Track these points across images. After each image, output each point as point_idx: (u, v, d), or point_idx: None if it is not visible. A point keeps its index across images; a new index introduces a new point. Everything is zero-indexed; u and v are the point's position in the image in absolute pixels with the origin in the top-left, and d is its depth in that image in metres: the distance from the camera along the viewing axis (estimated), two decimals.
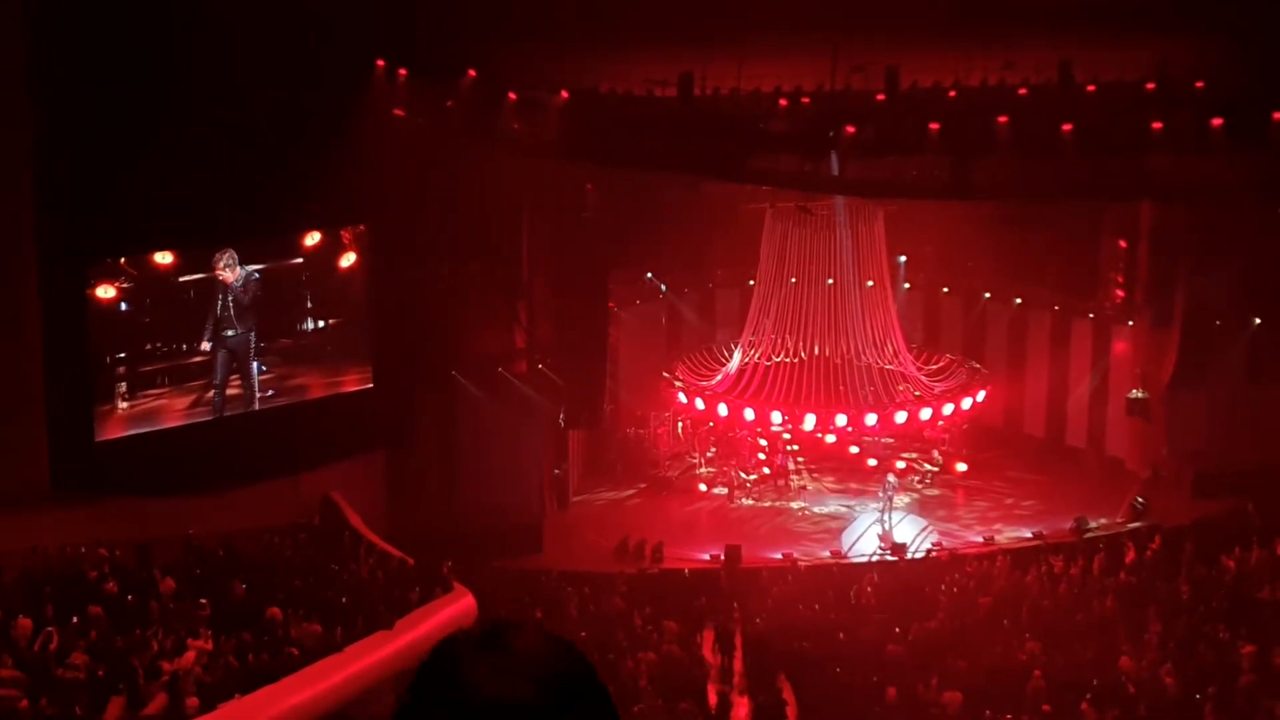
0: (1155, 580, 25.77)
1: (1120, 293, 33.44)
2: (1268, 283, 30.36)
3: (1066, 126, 27.11)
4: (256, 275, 25.99)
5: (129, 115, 23.26)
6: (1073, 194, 29.57)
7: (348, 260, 27.45)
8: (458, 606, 23.24)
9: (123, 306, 24.72)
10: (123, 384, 24.84)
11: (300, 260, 26.98)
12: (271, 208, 25.29)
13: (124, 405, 24.86)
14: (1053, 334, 34.81)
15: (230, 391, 26.11)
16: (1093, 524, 29.97)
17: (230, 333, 25.89)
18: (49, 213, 23.40)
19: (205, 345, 25.76)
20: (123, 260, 24.59)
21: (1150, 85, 28.02)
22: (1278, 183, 28.41)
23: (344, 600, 22.31)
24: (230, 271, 25.66)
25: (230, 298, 25.78)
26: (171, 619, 20.28)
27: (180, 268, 25.37)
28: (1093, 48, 27.24)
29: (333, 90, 25.42)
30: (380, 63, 26.44)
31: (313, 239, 26.89)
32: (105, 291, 24.37)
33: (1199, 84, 28.24)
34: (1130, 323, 33.09)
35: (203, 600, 20.97)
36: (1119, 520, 30.34)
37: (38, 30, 23.06)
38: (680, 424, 34.57)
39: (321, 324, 27.48)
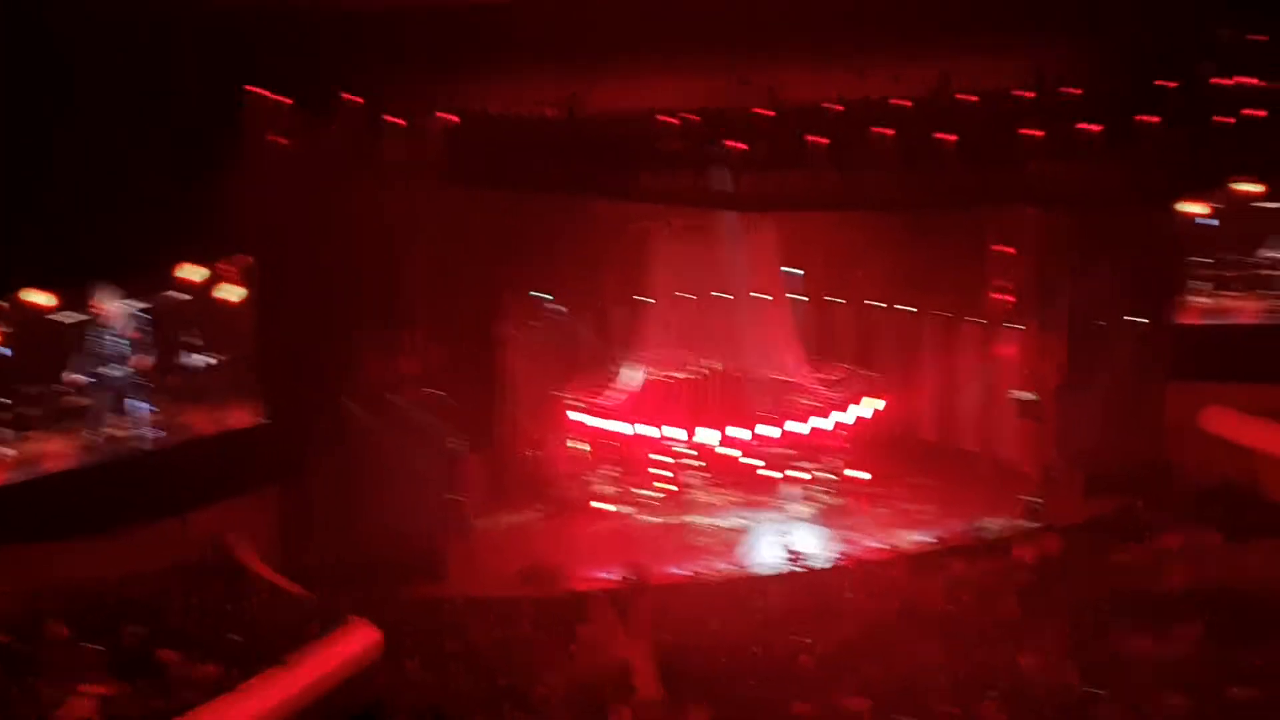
0: (1052, 579, 26.09)
1: (1006, 298, 33.94)
2: (1146, 283, 30.95)
3: (948, 136, 27.51)
4: (139, 312, 25.48)
5: None
6: (957, 202, 29.99)
7: (232, 294, 26.98)
8: (359, 640, 22.93)
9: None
10: (2, 430, 24.20)
11: (184, 296, 26.46)
12: (152, 243, 24.77)
13: (4, 451, 24.20)
14: (943, 340, 35.27)
15: (115, 432, 25.52)
16: (990, 526, 30.30)
17: (116, 372, 25.34)
18: None
19: (86, 385, 25.15)
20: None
21: (1028, 94, 28.47)
22: (1155, 185, 29.03)
23: (240, 639, 21.93)
24: (110, 309, 25.13)
25: (112, 336, 25.24)
26: (63, 667, 19.79)
27: (59, 307, 24.77)
28: (971, 58, 27.64)
29: (211, 120, 25.01)
30: (259, 90, 26.07)
31: (197, 274, 26.39)
32: None
33: (1074, 91, 28.75)
34: (1017, 326, 33.59)
35: (95, 646, 20.50)
36: (1015, 521, 30.70)
37: None
38: (579, 444, 34.48)
39: (206, 360, 26.98)
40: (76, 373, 24.92)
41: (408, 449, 29.45)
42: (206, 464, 26.37)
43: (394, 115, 26.90)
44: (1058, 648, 22.80)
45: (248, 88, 26.05)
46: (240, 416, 27.37)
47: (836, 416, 33.11)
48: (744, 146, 27.55)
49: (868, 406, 33.58)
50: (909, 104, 28.38)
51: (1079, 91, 28.77)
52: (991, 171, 28.86)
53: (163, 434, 26.16)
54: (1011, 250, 33.51)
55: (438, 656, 23.95)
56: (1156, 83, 28.49)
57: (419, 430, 29.87)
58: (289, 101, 26.42)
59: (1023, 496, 31.46)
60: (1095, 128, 27.81)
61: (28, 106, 22.70)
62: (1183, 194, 30.13)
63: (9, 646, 20.54)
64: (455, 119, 26.85)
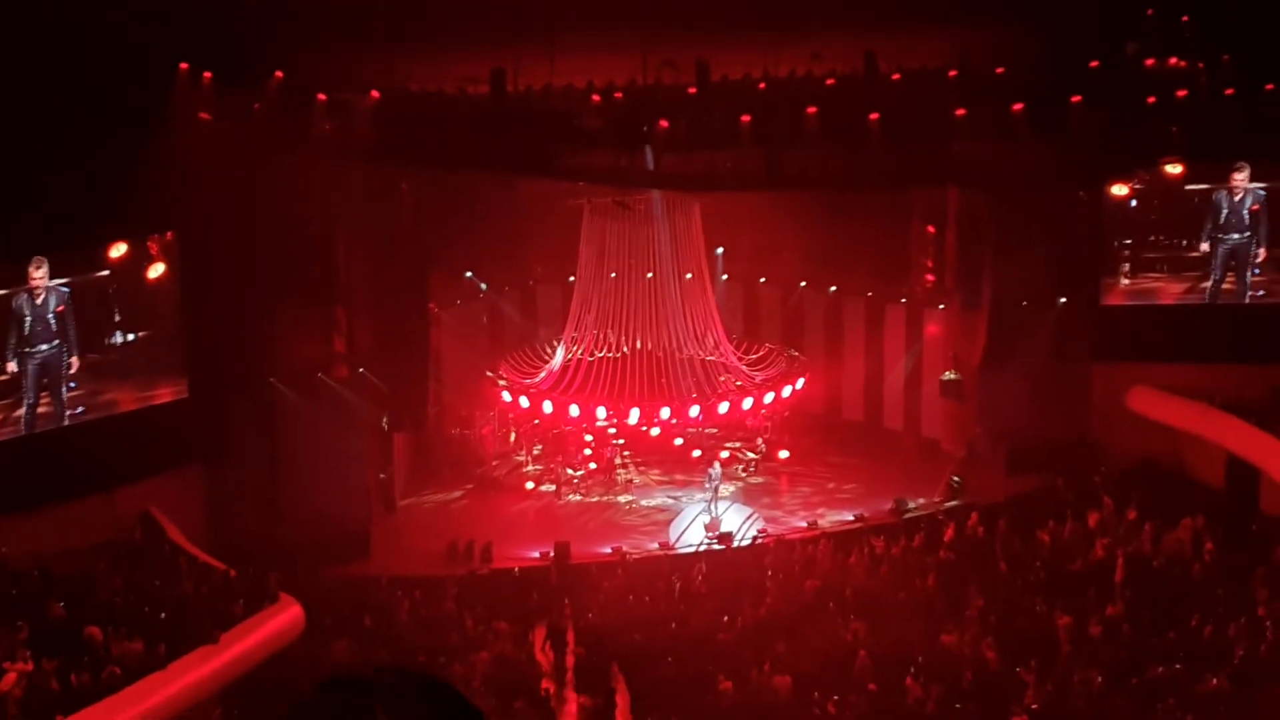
0: (973, 557, 26.41)
1: (930, 277, 34.24)
2: (1070, 264, 31.23)
3: (873, 115, 27.62)
4: (65, 289, 25.17)
5: None
6: (881, 182, 30.17)
7: (156, 271, 26.69)
8: (284, 617, 22.93)
9: None
10: None
11: (106, 273, 26.13)
12: (74, 218, 24.44)
13: None
14: (867, 320, 35.49)
15: (39, 410, 25.21)
16: (912, 504, 30.59)
17: (43, 347, 25.01)
18: None
19: (11, 366, 24.79)
20: None
21: (953, 73, 28.63)
22: (1077, 166, 29.31)
23: (165, 616, 21.83)
24: (34, 285, 24.78)
25: (41, 311, 24.88)
26: None
27: None
28: (895, 37, 27.76)
29: (136, 95, 24.71)
30: (184, 65, 25.78)
31: (119, 250, 26.06)
32: None
33: (999, 71, 28.97)
34: (941, 306, 33.87)
35: (19, 622, 20.34)
36: (937, 499, 31.00)
37: None
38: (506, 423, 34.48)
39: (131, 337, 26.66)
40: (18, 346, 24.56)
41: (334, 427, 29.32)
42: (131, 440, 26.13)
43: (319, 92, 26.68)
44: (978, 624, 23.13)
45: (174, 64, 25.74)
46: (164, 393, 27.11)
47: (760, 395, 33.26)
48: (667, 125, 27.54)
49: (791, 385, 33.74)
50: (833, 82, 28.46)
51: (1002, 71, 28.96)
52: (916, 151, 29.02)
53: (84, 410, 25.86)
54: (933, 229, 33.78)
55: (360, 634, 23.96)
56: (1083, 63, 28.69)
57: (345, 408, 29.75)
58: (214, 78, 26.12)
59: (945, 474, 31.78)
60: (1019, 107, 28.04)
61: None
62: (1109, 175, 30.42)
63: None
64: (376, 95, 26.63)
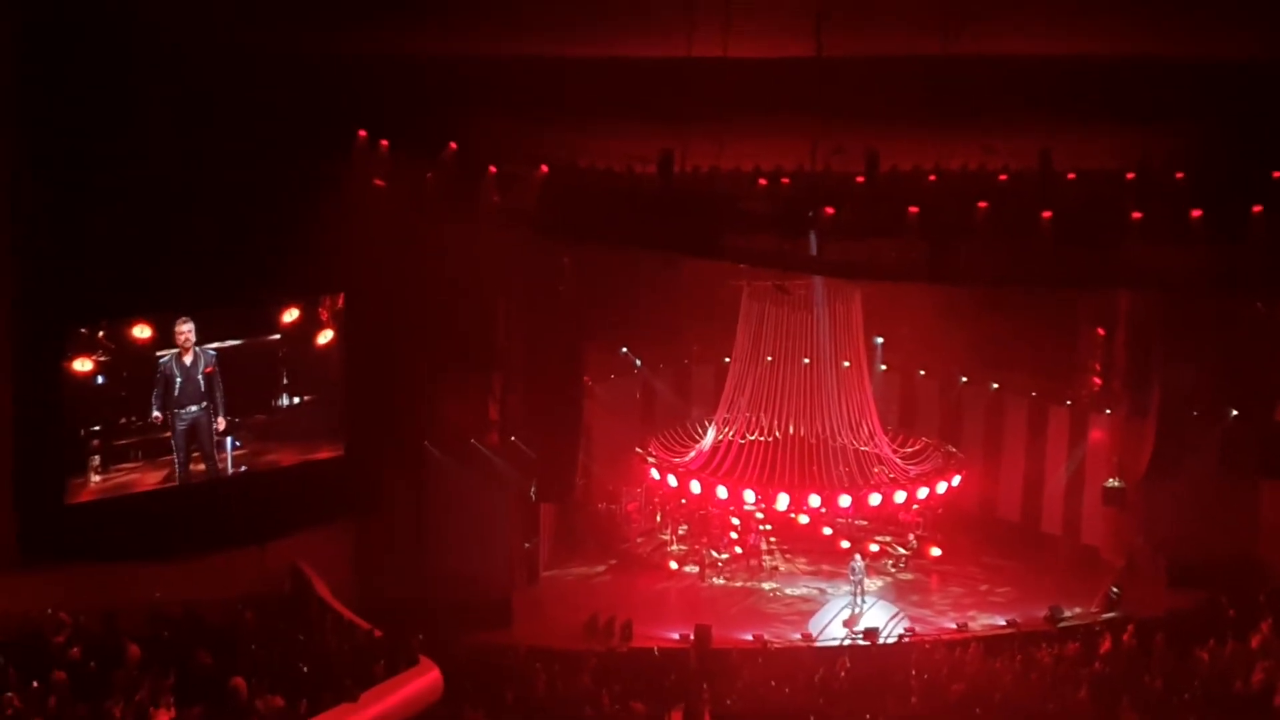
0: (1129, 671, 25.58)
1: (1098, 381, 33.54)
2: (1243, 375, 30.47)
3: (1045, 213, 27.22)
4: (212, 352, 25.77)
5: (105, 189, 23.13)
6: (1051, 281, 29.61)
7: (325, 337, 27.28)
8: (424, 680, 22.94)
9: (99, 380, 24.47)
10: (95, 457, 24.55)
11: (277, 337, 26.78)
12: (249, 278, 25.15)
13: (96, 479, 24.58)
14: (1029, 420, 34.84)
15: (195, 467, 25.83)
16: (1067, 613, 29.82)
17: (192, 409, 25.65)
18: (24, 285, 23.15)
19: (176, 416, 25.43)
20: (101, 334, 24.31)
21: (1130, 175, 28.15)
22: (1254, 277, 28.54)
23: (308, 671, 21.99)
24: (190, 339, 25.43)
25: (191, 372, 25.53)
26: (134, 687, 19.94)
27: (157, 342, 25.12)
28: (1072, 135, 27.39)
29: (314, 159, 25.32)
30: (362, 133, 26.37)
31: (290, 315, 26.74)
32: (82, 365, 24.16)
33: (1179, 175, 28.39)
34: (1107, 411, 33.13)
35: (168, 668, 20.64)
36: (1093, 609, 30.21)
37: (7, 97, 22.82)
38: (653, 500, 34.40)
39: (297, 400, 27.25)
40: (167, 404, 25.27)
41: (483, 493, 29.55)
42: (286, 494, 26.65)
43: (490, 164, 27.08)
44: None
45: (352, 130, 26.34)
46: (324, 455, 27.59)
47: (914, 490, 32.79)
48: (832, 212, 27.44)
49: (946, 481, 33.21)
50: (1005, 178, 28.15)
51: (1182, 176, 28.37)
52: (1088, 252, 28.50)
53: (246, 470, 26.41)
54: (1102, 332, 33.13)
55: (498, 704, 23.90)
56: (1266, 171, 28.00)
57: (495, 475, 29.97)
58: (390, 145, 26.66)
59: (1103, 584, 30.93)
60: (1198, 213, 27.42)
61: (132, 144, 23.11)
62: None
63: (84, 665, 20.75)
64: (545, 169, 26.95)
